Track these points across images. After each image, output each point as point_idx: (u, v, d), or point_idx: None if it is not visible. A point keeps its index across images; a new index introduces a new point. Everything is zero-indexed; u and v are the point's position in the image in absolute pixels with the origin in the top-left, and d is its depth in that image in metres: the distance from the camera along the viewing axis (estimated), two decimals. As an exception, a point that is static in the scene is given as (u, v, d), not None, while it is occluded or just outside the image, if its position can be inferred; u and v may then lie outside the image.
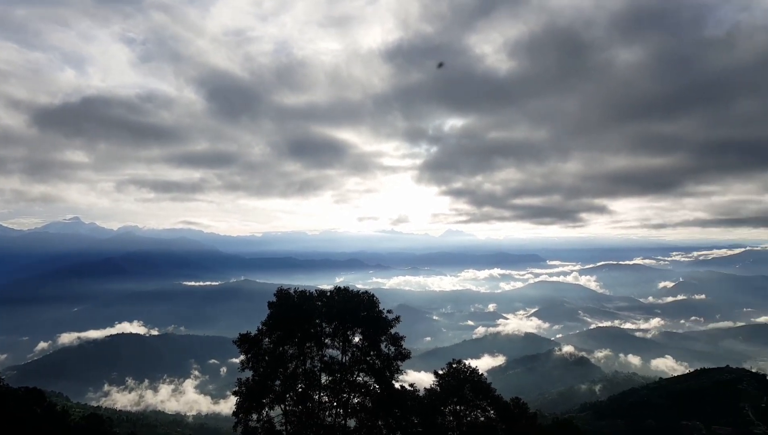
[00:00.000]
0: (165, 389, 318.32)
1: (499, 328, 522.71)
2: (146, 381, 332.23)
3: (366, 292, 40.05)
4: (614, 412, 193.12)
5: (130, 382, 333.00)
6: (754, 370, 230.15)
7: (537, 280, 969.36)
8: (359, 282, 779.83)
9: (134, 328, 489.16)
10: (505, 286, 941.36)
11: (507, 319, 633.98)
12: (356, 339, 38.90)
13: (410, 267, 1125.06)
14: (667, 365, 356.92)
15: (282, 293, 38.61)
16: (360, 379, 38.31)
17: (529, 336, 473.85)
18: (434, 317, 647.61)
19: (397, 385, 37.32)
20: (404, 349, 37.69)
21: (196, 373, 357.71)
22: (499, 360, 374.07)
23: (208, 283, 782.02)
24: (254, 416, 35.53)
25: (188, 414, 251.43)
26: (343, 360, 38.22)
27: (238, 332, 38.08)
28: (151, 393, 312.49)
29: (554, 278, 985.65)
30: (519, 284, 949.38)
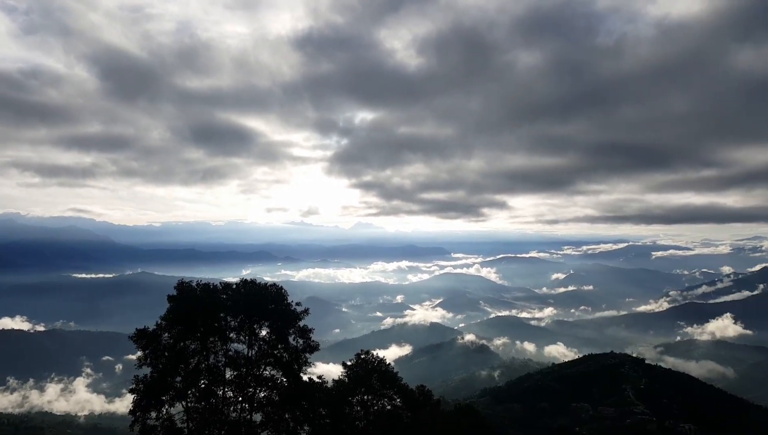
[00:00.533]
0: (53, 389, 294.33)
1: (407, 319, 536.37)
2: (31, 380, 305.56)
3: (274, 284, 39.23)
4: (511, 396, 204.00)
5: (11, 382, 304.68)
6: (634, 355, 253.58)
7: (442, 272, 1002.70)
8: (267, 274, 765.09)
9: (16, 323, 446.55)
10: (413, 278, 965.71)
11: (414, 309, 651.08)
12: (263, 332, 38.04)
13: (320, 259, 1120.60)
14: (559, 351, 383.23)
15: (183, 286, 36.83)
16: (267, 373, 37.53)
17: (434, 326, 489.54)
18: (344, 309, 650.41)
19: (305, 378, 36.99)
20: (313, 341, 37.41)
21: (88, 371, 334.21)
22: (406, 349, 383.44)
23: (100, 275, 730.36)
24: (153, 414, 33.70)
25: (80, 414, 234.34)
26: (249, 354, 37.26)
27: (134, 328, 35.85)
28: (37, 393, 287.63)
29: (458, 270, 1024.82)
30: (426, 276, 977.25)
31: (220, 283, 38.94)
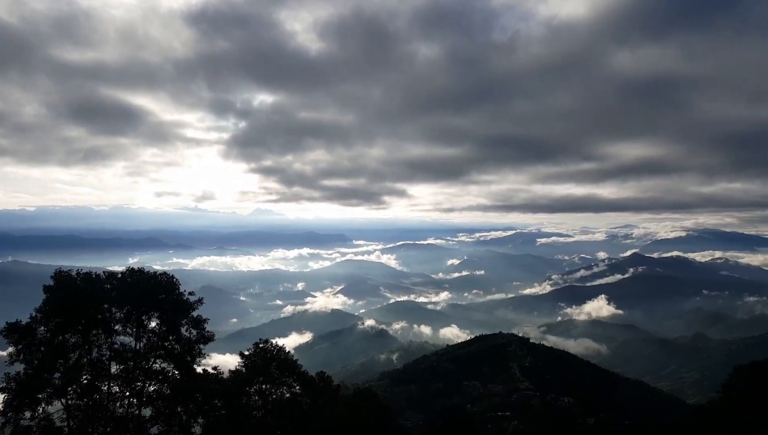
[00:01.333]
0: None
1: (307, 306, 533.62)
2: None
3: (164, 273, 37.16)
4: (409, 378, 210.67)
5: None
6: (520, 335, 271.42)
7: (344, 259, 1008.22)
8: (157, 263, 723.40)
9: None
10: (314, 265, 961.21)
11: (315, 297, 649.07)
12: (153, 324, 35.99)
13: (216, 247, 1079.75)
14: (453, 333, 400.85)
15: (61, 276, 33.78)
16: (157, 365, 35.61)
17: (335, 312, 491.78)
18: (242, 298, 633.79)
19: (199, 370, 35.53)
20: (207, 332, 35.98)
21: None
22: (307, 337, 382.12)
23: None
24: (27, 414, 30.78)
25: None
26: (137, 347, 35.12)
27: (5, 321, 32.40)
28: None
29: (359, 257, 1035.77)
30: (327, 263, 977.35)
31: (104, 272, 36.20)
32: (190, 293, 36.75)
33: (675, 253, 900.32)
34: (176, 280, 36.76)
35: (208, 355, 37.28)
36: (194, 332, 36.29)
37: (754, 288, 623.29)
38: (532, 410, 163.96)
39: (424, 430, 59.21)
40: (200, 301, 37.08)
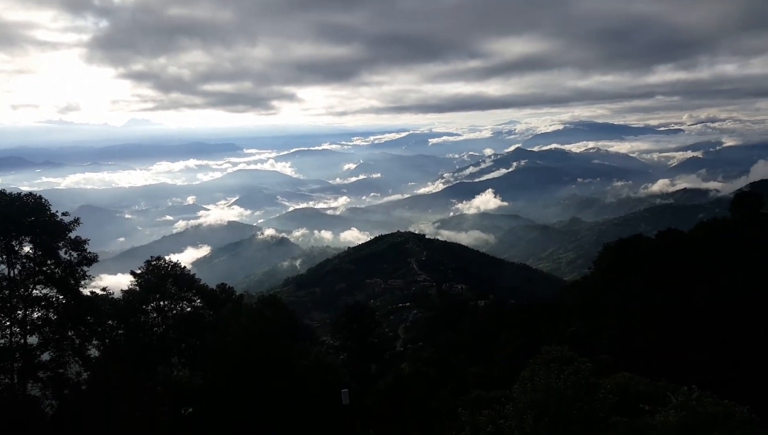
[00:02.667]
0: None
1: (201, 220, 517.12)
2: None
3: (31, 194, 33.41)
4: (312, 281, 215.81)
5: None
6: (416, 232, 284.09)
7: (235, 169, 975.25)
8: (24, 183, 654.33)
9: None
10: (204, 177, 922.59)
11: (208, 210, 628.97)
12: (26, 249, 32.77)
13: (89, 162, 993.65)
14: (354, 236, 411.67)
15: None
16: (37, 292, 32.93)
17: (232, 224, 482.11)
18: (127, 216, 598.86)
19: (86, 292, 33.37)
20: (89, 253, 33.46)
21: None
22: (204, 251, 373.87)
23: None
24: None
25: None
26: (11, 274, 32.06)
27: None
28: None
29: (252, 166, 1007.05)
30: (218, 174, 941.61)
31: (-44, 196, 31.81)
32: (64, 214, 33.58)
33: (553, 146, 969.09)
34: (45, 200, 33.27)
35: (94, 277, 35.02)
36: (74, 254, 33.64)
37: (621, 174, 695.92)
38: (430, 299, 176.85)
39: (329, 328, 61.60)
40: (76, 221, 34.06)
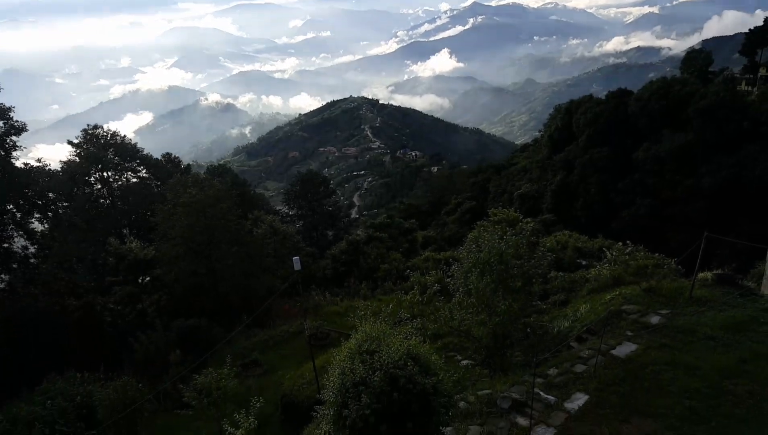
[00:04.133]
0: None
1: (139, 84, 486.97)
2: None
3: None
4: (264, 150, 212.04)
5: None
6: (369, 97, 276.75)
7: (171, 26, 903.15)
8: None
9: None
10: (136, 36, 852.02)
11: (145, 72, 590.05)
12: (-55, 120, 30.04)
13: (7, 19, 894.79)
14: (305, 102, 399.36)
15: None
16: (-34, 166, 30.88)
17: (173, 89, 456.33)
18: (57, 80, 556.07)
19: (19, 164, 31.53)
20: (17, 121, 30.97)
21: None
22: (146, 118, 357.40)
23: None
24: None
25: None
26: (-69, 147, 29.67)
27: None
28: None
29: (190, 23, 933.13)
30: (152, 32, 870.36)
31: None
32: (-19, 80, 30.52)
33: (511, 1, 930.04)
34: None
35: (27, 148, 32.91)
36: (0, 124, 31.17)
37: (578, 31, 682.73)
38: (384, 166, 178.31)
39: (283, 197, 61.75)
40: (-3, 87, 31.09)
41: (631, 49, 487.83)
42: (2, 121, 29.01)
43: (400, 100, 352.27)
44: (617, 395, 10.33)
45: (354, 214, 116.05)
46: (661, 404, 9.86)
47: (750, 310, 13.37)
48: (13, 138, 29.43)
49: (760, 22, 62.21)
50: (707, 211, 46.30)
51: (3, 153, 28.79)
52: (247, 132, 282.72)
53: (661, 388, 10.34)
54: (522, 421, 9.91)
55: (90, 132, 41.95)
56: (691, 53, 70.35)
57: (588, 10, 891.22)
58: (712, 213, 46.16)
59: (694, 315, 13.38)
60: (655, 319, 13.55)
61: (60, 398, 16.22)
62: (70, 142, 42.01)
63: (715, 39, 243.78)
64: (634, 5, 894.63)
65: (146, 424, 14.97)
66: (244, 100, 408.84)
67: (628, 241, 20.79)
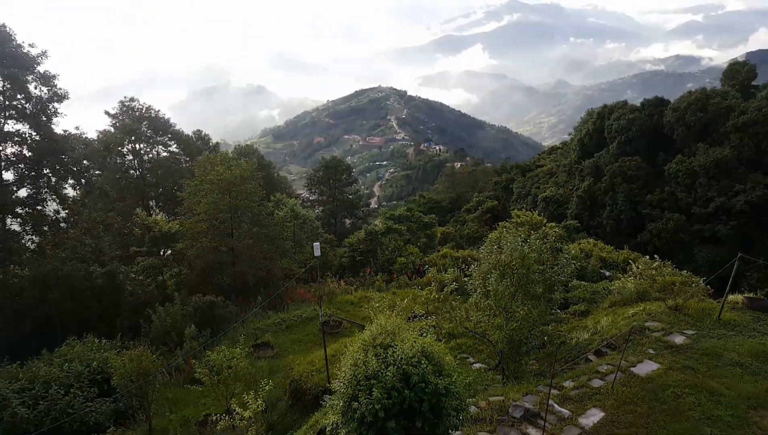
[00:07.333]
0: None
1: (176, 59, 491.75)
2: None
3: (-7, 22, 30.40)
4: (290, 133, 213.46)
5: None
6: (398, 88, 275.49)
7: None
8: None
9: None
10: (181, 12, 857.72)
11: (186, 47, 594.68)
12: (-3, 82, 30.65)
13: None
14: (334, 88, 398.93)
15: None
16: (9, 127, 31.56)
17: (208, 67, 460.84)
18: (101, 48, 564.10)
19: (58, 130, 32.14)
20: (60, 89, 31.52)
21: None
22: (180, 95, 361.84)
23: None
24: None
25: None
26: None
27: None
28: None
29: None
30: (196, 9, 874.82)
31: None
32: (31, 45, 31.03)
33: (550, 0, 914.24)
34: (11, 29, 30.47)
35: (66, 115, 33.49)
36: (45, 90, 31.74)
37: (615, 34, 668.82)
38: (407, 158, 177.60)
39: (305, 182, 61.90)
40: (44, 53, 31.60)
41: (669, 57, 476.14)
42: (47, 88, 29.58)
43: (429, 93, 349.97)
44: (634, 415, 10.06)
45: (374, 203, 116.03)
46: (680, 429, 9.56)
47: (780, 338, 12.92)
48: (55, 105, 30.01)
49: (811, 39, 59.83)
50: (738, 231, 45.09)
51: (45, 119, 29.40)
52: (275, 114, 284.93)
53: (681, 412, 10.03)
54: (533, 433, 9.73)
55: (126, 104, 42.70)
56: (734, 65, 67.85)
57: (628, 14, 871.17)
58: (744, 234, 44.97)
59: (721, 338, 12.98)
60: (679, 339, 13.19)
61: (77, 362, 16.74)
62: (107, 113, 42.82)
63: (760, 52, 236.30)
64: (677, 12, 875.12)
65: (157, 396, 15.22)
66: (275, 84, 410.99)
67: (655, 256, 20.31)
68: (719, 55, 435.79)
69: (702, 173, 49.50)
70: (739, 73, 62.92)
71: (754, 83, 62.81)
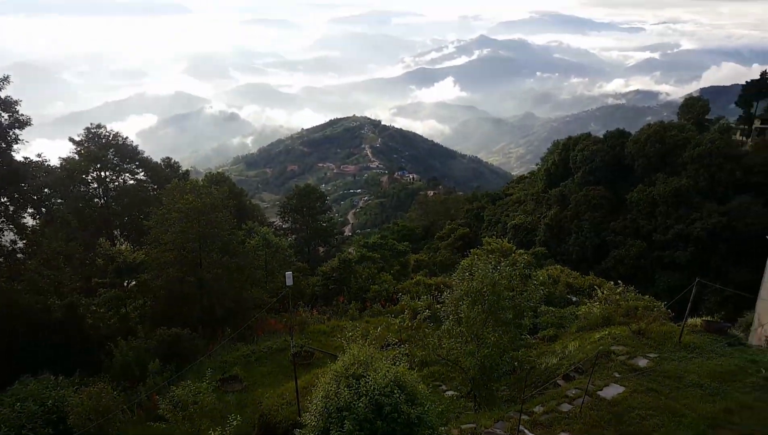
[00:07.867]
0: None
1: (146, 88, 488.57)
2: None
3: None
4: (263, 161, 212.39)
5: None
6: (372, 117, 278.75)
7: (184, 33, 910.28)
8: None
9: None
10: (151, 39, 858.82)
11: (154, 77, 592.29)
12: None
13: (25, 12, 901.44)
14: (308, 117, 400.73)
15: None
16: (-36, 155, 30.66)
17: (179, 94, 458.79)
18: (66, 78, 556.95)
19: (19, 157, 31.37)
20: (22, 115, 30.90)
21: None
22: (149, 121, 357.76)
23: None
24: None
25: None
26: (-69, 134, 29.49)
27: None
28: None
29: (203, 32, 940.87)
30: (164, 36, 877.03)
31: None
32: (-10, 71, 30.46)
33: (517, 36, 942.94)
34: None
35: (28, 142, 32.74)
36: (5, 116, 31.07)
37: (579, 70, 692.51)
38: (381, 186, 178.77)
39: (278, 210, 61.51)
40: (6, 79, 31.03)
41: (630, 92, 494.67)
42: (7, 114, 28.91)
43: (402, 123, 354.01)
44: (601, 438, 10.19)
45: (347, 231, 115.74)
46: (645, 451, 9.72)
47: (737, 359, 13.33)
48: (16, 131, 29.31)
49: (757, 76, 63.26)
50: (696, 256, 46.71)
51: (4, 145, 28.64)
52: (248, 142, 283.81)
53: (646, 433, 10.20)
54: (504, 458, 9.74)
55: (93, 131, 41.95)
56: (689, 100, 71.50)
57: (591, 51, 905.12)
58: (701, 259, 46.56)
59: (682, 361, 13.31)
60: (643, 362, 13.48)
61: (30, 401, 15.84)
62: (71, 140, 41.93)
63: (712, 88, 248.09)
64: (636, 50, 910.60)
65: (117, 435, 14.61)
66: (248, 112, 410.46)
67: (619, 281, 20.80)
68: (676, 90, 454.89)
69: (661, 202, 51.33)
70: (694, 107, 66.24)
71: (707, 117, 66.24)
